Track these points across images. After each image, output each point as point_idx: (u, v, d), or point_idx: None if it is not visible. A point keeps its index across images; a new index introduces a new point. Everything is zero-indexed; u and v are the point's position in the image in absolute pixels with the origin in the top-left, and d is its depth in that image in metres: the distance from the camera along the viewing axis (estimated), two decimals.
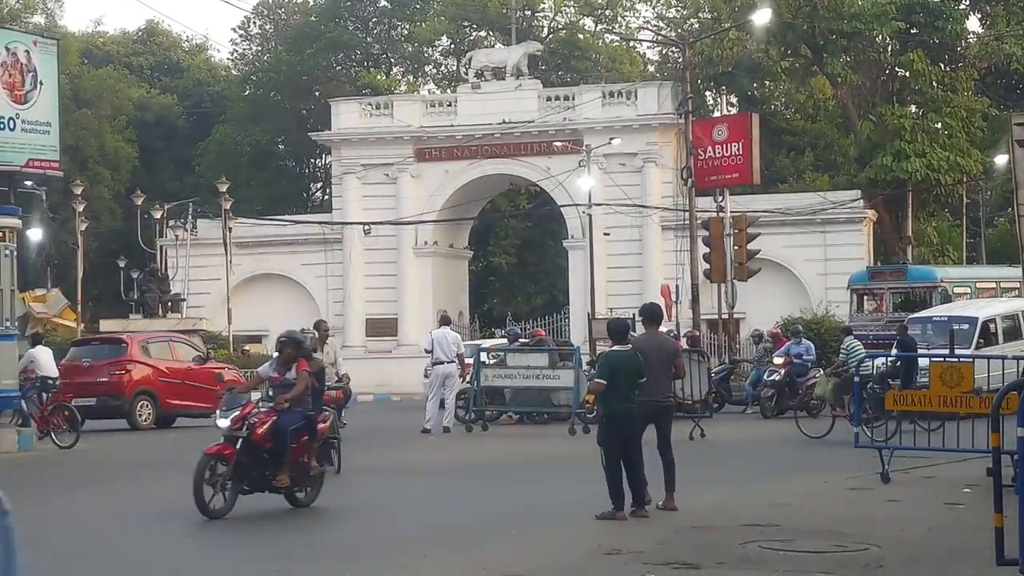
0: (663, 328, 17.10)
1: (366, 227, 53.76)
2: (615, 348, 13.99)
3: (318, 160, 71.21)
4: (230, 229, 50.41)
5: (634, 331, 17.70)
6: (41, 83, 24.88)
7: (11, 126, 24.15)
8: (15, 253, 24.83)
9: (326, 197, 66.62)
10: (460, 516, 14.25)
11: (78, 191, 50.14)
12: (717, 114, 57.51)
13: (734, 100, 58.03)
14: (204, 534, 12.99)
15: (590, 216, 48.93)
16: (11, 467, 21.12)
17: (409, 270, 55.67)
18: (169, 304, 48.13)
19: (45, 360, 26.07)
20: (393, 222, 53.93)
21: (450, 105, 56.56)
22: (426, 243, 55.77)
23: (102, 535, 13.09)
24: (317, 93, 68.31)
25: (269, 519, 13.58)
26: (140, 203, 52.06)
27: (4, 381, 23.90)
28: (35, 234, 51.06)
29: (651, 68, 71.08)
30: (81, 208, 50.45)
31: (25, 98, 24.53)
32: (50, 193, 47.28)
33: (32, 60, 24.74)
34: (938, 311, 32.20)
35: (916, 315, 31.53)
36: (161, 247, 55.14)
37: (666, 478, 13.92)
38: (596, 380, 13.97)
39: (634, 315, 16.66)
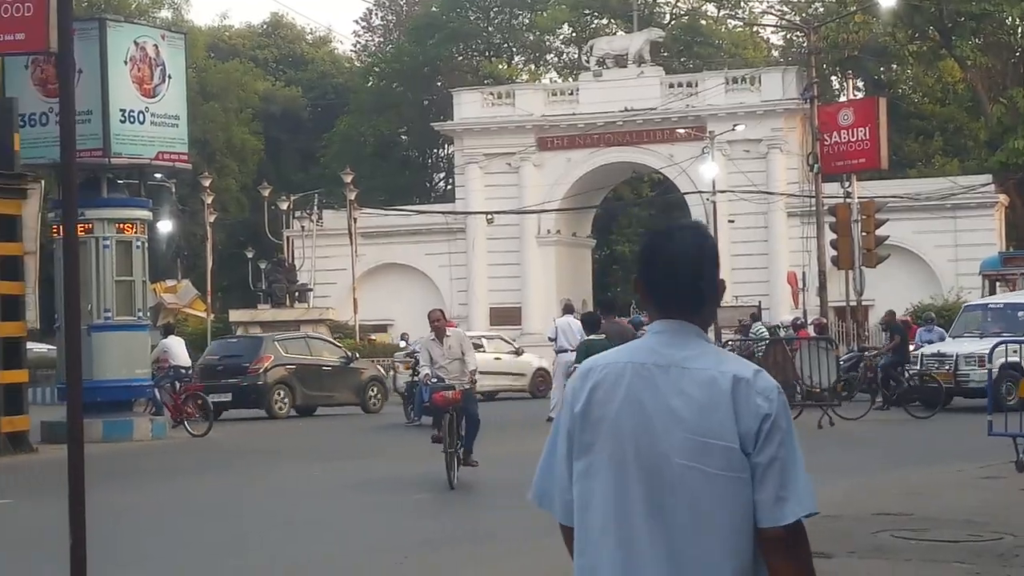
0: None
1: (489, 216, 53.88)
2: (591, 336, 16.15)
3: (441, 150, 71.52)
4: (355, 219, 50.81)
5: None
6: (169, 77, 25.20)
7: (141, 120, 24.49)
8: (146, 245, 25.25)
9: (449, 187, 66.92)
10: None
11: (206, 183, 50.90)
12: (843, 99, 56.62)
13: (860, 84, 57.18)
14: (336, 517, 13.08)
15: (714, 203, 48.51)
16: (144, 455, 21.51)
17: (532, 259, 55.68)
18: (296, 294, 48.69)
19: (178, 350, 26.49)
20: (516, 211, 53.97)
21: (572, 93, 56.45)
22: (549, 232, 55.73)
23: (227, 519, 13.24)
24: (439, 83, 68.58)
25: (404, 506, 13.63)
26: (267, 194, 52.70)
27: (137, 371, 24.32)
28: (165, 226, 51.93)
29: (775, 53, 70.28)
30: (209, 200, 51.21)
31: (154, 92, 24.86)
32: (179, 185, 48.10)
33: (160, 54, 25.07)
34: (993, 298, 31.50)
35: (972, 303, 30.79)
36: (288, 238, 55.78)
37: None
38: (572, 365, 16.13)
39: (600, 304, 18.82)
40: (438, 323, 16.25)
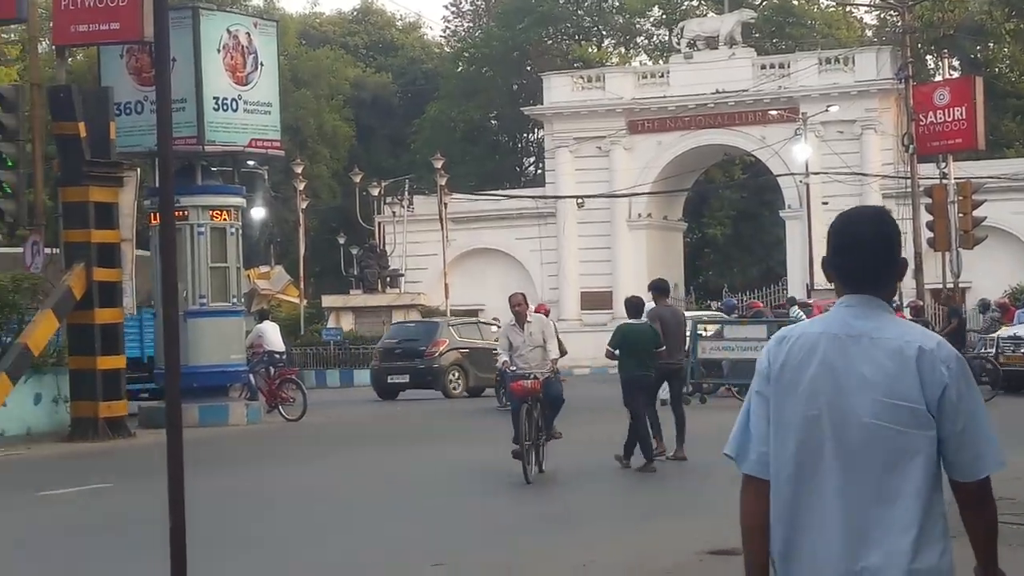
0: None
1: (579, 200, 53.77)
2: (630, 321, 16.12)
3: (531, 134, 71.45)
4: (446, 205, 50.94)
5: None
6: (262, 64, 25.39)
7: (234, 107, 24.70)
8: (240, 231, 25.49)
9: (539, 171, 66.86)
10: (675, 488, 14.13)
11: (298, 170, 51.27)
12: (938, 78, 55.80)
13: (956, 64, 56.20)
14: (420, 503, 13.11)
15: (807, 185, 48.05)
16: (240, 440, 21.74)
17: (623, 243, 55.50)
18: (388, 279, 48.96)
19: (272, 335, 26.73)
20: (606, 195, 53.82)
21: (662, 76, 56.13)
22: (640, 215, 55.51)
23: (326, 502, 13.31)
24: (529, 67, 68.49)
25: (488, 491, 13.63)
26: (358, 181, 52.99)
27: (232, 356, 24.55)
28: (258, 212, 52.38)
29: (868, 33, 69.35)
30: (301, 186, 51.58)
31: (247, 80, 25.06)
32: (272, 172, 48.42)
33: (253, 42, 25.26)
34: None
35: None
36: (379, 223, 56.06)
37: (677, 432, 16.45)
38: (607, 348, 16.14)
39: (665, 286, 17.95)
40: (519, 308, 15.40)
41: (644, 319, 16.20)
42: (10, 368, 20.50)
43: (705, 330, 28.41)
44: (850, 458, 3.46)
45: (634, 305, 16.44)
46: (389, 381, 31.45)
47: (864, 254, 3.58)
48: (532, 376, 14.87)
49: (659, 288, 17.65)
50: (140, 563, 9.91)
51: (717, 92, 53.37)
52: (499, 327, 35.82)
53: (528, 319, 15.39)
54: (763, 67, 54.42)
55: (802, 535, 3.52)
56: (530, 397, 14.73)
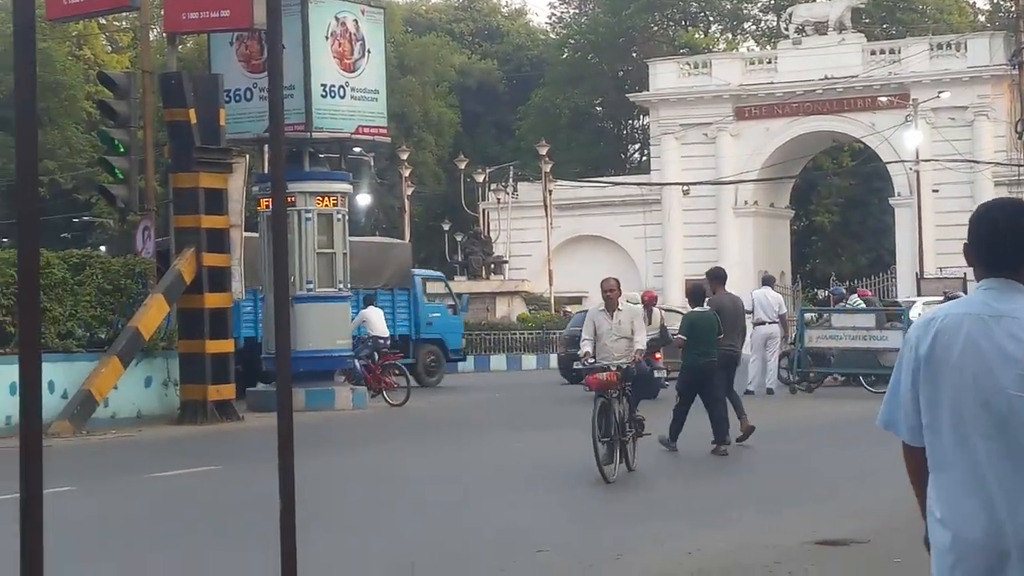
0: None
1: (685, 187, 53.48)
2: (695, 309, 16.42)
3: (636, 121, 71.21)
4: (550, 191, 50.93)
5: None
6: (369, 51, 25.50)
7: (341, 94, 24.83)
8: (346, 217, 25.64)
9: (644, 158, 66.60)
10: (777, 477, 14.00)
11: (404, 156, 51.54)
12: None
13: None
14: (524, 489, 13.10)
15: (917, 172, 47.39)
16: (347, 424, 21.88)
17: (729, 230, 55.12)
18: (492, 266, 49.06)
19: (376, 321, 26.88)
20: (712, 182, 53.48)
21: (770, 62, 55.65)
22: (746, 203, 55.10)
23: (433, 486, 13.35)
24: (635, 54, 68.23)
25: (592, 479, 13.57)
26: (463, 167, 53.15)
27: (338, 341, 24.72)
28: (364, 199, 52.76)
29: (981, 18, 68.16)
30: (407, 173, 51.84)
31: (354, 66, 25.18)
32: (377, 159, 48.77)
33: (360, 29, 25.37)
34: None
35: None
36: (483, 210, 56.22)
37: (736, 409, 16.75)
38: (678, 336, 16.64)
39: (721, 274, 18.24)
40: (611, 293, 14.22)
41: (706, 307, 16.48)
42: (122, 351, 20.82)
43: (813, 319, 28.09)
44: (998, 428, 3.75)
45: (697, 292, 16.71)
46: (575, 366, 31.62)
47: (1003, 241, 3.86)
48: (613, 367, 13.78)
49: (717, 276, 17.95)
50: (249, 543, 10.01)
51: (826, 78, 52.81)
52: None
53: (619, 307, 14.38)
54: (873, 53, 53.72)
55: (953, 502, 3.82)
56: (608, 391, 13.57)
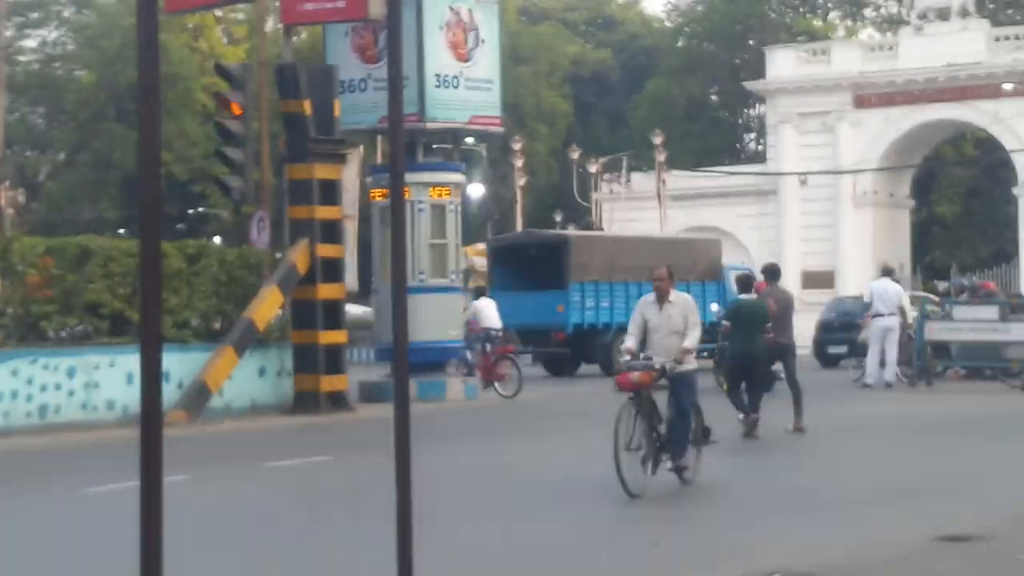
0: None
1: (802, 177, 52.88)
2: (741, 297, 17.13)
3: (752, 110, 70.53)
4: (664, 182, 50.67)
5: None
6: (483, 41, 25.47)
7: (455, 84, 24.82)
8: (459, 208, 25.65)
9: (760, 147, 65.96)
10: (905, 473, 13.78)
11: (516, 147, 51.53)
12: None
13: None
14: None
15: None
16: (456, 415, 21.91)
17: (847, 221, 54.40)
18: None
19: (488, 312, 26.89)
20: (830, 171, 52.81)
21: (891, 49, 54.77)
22: (865, 193, 54.32)
23: (544, 479, 13.30)
24: (751, 41, 67.55)
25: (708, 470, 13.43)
26: (576, 158, 53.03)
27: (450, 332, 24.75)
28: (476, 189, 52.86)
29: None
30: (519, 164, 51.83)
31: (468, 56, 25.17)
32: (490, 149, 48.88)
33: (474, 19, 25.36)
34: None
35: None
36: (596, 201, 56.04)
37: (795, 406, 17.13)
38: (723, 322, 17.53)
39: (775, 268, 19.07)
40: (662, 283, 12.46)
41: (753, 295, 17.23)
42: (236, 342, 21.01)
43: (934, 310, 27.62)
44: None
45: (746, 281, 17.50)
46: (829, 351, 34.55)
47: None
48: (652, 366, 12.08)
49: (770, 272, 18.64)
50: (365, 532, 10.03)
51: (948, 65, 51.83)
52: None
53: (670, 299, 12.51)
54: (997, 39, 52.65)
55: None
56: (639, 393, 12.01)
